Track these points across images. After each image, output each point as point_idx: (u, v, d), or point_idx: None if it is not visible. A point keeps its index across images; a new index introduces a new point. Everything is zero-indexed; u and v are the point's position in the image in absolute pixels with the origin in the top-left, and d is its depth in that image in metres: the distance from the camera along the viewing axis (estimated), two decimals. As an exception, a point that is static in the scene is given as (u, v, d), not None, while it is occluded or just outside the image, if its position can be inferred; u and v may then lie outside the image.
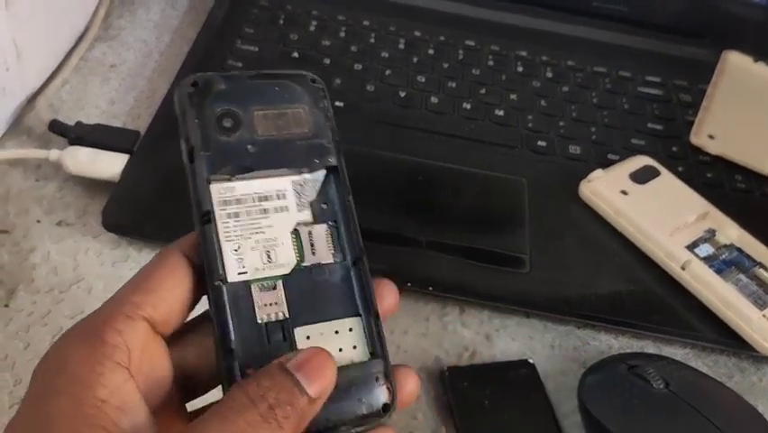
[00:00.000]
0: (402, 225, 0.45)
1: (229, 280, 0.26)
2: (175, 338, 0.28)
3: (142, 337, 0.25)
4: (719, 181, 0.52)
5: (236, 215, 0.27)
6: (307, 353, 0.25)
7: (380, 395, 0.26)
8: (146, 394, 0.25)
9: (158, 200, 0.44)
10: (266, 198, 0.28)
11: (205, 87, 0.28)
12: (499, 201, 0.48)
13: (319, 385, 0.24)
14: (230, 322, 0.26)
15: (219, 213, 0.27)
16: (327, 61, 0.56)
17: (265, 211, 0.28)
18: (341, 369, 0.26)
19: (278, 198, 0.28)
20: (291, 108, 0.29)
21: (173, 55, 0.57)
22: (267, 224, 0.28)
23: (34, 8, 0.49)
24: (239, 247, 0.27)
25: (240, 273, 0.27)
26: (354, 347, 0.27)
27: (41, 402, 0.24)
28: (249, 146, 0.28)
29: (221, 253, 0.27)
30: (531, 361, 0.41)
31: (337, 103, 0.53)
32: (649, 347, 0.44)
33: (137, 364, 0.25)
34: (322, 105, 0.29)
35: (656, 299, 0.44)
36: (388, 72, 0.56)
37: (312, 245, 0.28)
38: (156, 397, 0.26)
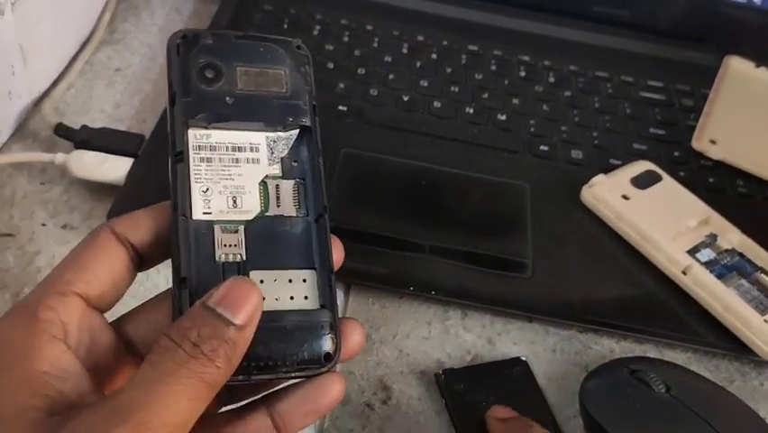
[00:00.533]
0: (404, 229, 0.45)
1: (194, 217, 0.28)
2: (127, 316, 0.30)
3: (77, 312, 0.27)
4: (721, 186, 0.53)
5: (209, 160, 0.29)
6: (226, 286, 0.25)
7: (324, 344, 0.27)
8: (89, 365, 0.26)
9: (162, 204, 0.45)
10: (239, 149, 0.30)
11: (192, 40, 0.30)
12: (502, 206, 0.49)
13: (244, 312, 0.25)
14: (187, 254, 0.27)
15: (193, 156, 0.29)
16: (331, 65, 0.56)
17: (237, 161, 0.30)
18: (289, 313, 0.27)
19: (251, 151, 0.30)
20: (273, 69, 0.31)
21: (177, 59, 0.57)
22: (237, 172, 0.29)
23: (40, 13, 0.50)
24: (207, 189, 0.29)
25: (205, 213, 0.28)
26: (306, 297, 0.28)
27: None
28: (227, 98, 0.30)
29: (189, 191, 0.28)
30: (524, 358, 0.42)
31: (340, 107, 0.53)
32: (651, 352, 0.44)
33: (76, 338, 0.26)
34: (303, 71, 0.31)
35: (658, 304, 0.45)
36: (391, 76, 0.56)
37: (278, 198, 0.30)
38: (102, 368, 0.27)
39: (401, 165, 0.49)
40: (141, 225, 0.29)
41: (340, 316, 0.29)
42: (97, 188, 0.47)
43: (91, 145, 0.47)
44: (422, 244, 0.45)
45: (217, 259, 0.28)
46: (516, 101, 0.56)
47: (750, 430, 0.38)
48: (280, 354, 0.27)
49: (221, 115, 0.29)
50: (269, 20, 0.59)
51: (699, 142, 0.54)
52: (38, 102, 0.52)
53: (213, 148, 0.29)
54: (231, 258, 0.28)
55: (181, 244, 0.27)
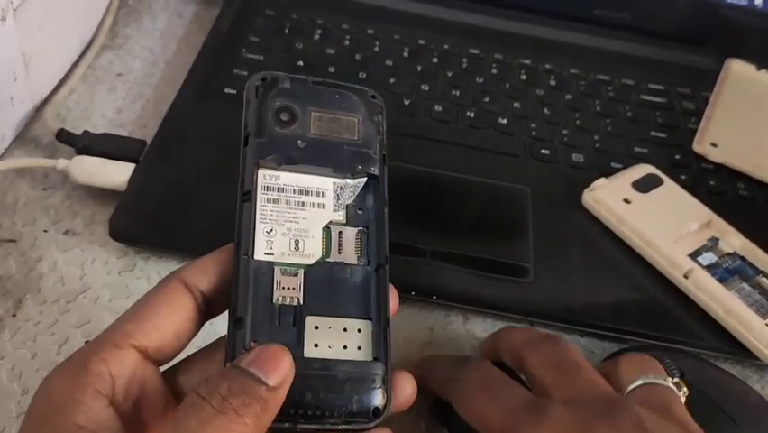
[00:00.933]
0: (405, 234, 0.45)
1: (255, 257, 0.28)
2: (182, 366, 0.29)
3: (130, 365, 0.27)
4: (722, 189, 0.52)
5: (275, 201, 0.29)
6: (257, 349, 0.25)
7: (375, 397, 0.27)
8: (135, 420, 0.26)
9: (164, 209, 0.45)
10: (306, 192, 0.30)
11: (271, 83, 0.31)
12: (503, 210, 0.49)
13: (277, 374, 0.25)
14: (245, 294, 0.27)
15: (260, 195, 0.29)
16: (332, 69, 0.56)
17: (303, 204, 0.30)
18: (341, 363, 0.27)
19: (318, 195, 0.30)
20: (346, 115, 0.31)
21: (179, 64, 0.57)
22: (302, 215, 0.30)
23: (42, 18, 0.50)
24: (271, 230, 0.29)
25: (266, 254, 0.29)
26: (359, 348, 0.28)
27: (26, 431, 0.25)
28: (300, 141, 0.30)
29: (254, 231, 0.29)
30: None
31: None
32: (652, 356, 0.44)
33: (123, 392, 0.26)
34: (376, 119, 0.32)
35: (659, 308, 0.45)
36: (392, 80, 0.56)
37: (340, 245, 0.30)
38: (149, 423, 0.27)
39: (402, 169, 0.49)
40: (208, 271, 0.29)
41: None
42: (99, 194, 0.47)
43: (93, 151, 0.47)
44: (423, 248, 0.45)
45: (274, 301, 0.28)
46: (516, 105, 0.57)
47: (759, 415, 0.38)
48: (329, 404, 0.26)
49: (291, 158, 0.30)
50: (270, 25, 0.59)
51: (701, 146, 0.54)
52: (40, 108, 0.52)
53: (281, 189, 0.30)
54: (288, 301, 0.28)
55: (240, 283, 0.28)
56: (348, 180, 0.31)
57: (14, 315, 0.41)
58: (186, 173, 0.47)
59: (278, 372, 0.25)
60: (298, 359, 0.26)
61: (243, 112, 0.31)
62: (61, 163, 0.47)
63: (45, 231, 0.45)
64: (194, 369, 0.29)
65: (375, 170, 0.31)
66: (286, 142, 0.30)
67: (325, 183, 0.30)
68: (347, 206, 0.30)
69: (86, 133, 0.49)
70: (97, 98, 0.54)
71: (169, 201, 0.45)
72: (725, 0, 0.63)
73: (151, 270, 0.44)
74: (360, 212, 0.30)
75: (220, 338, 0.30)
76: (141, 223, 0.44)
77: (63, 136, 0.49)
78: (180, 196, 0.45)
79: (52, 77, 0.54)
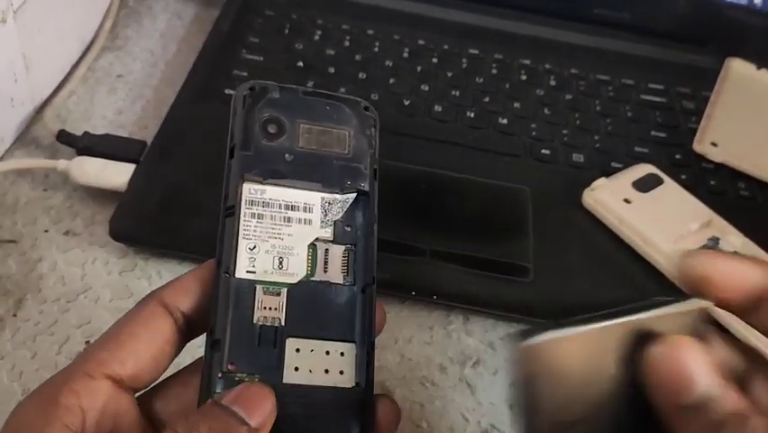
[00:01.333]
0: (406, 233, 0.45)
1: (237, 275, 0.27)
2: (159, 391, 0.28)
3: (102, 397, 0.25)
4: (723, 189, 0.52)
5: (260, 216, 0.28)
6: (241, 387, 0.24)
7: (354, 427, 0.26)
8: None
9: (164, 210, 0.45)
10: (292, 208, 0.29)
11: (260, 93, 0.30)
12: (503, 210, 0.49)
13: (259, 414, 0.24)
14: (224, 315, 0.26)
15: (244, 210, 0.28)
16: (332, 70, 0.57)
17: (288, 220, 0.29)
18: (321, 390, 0.26)
19: (305, 211, 0.29)
20: (337, 128, 0.30)
21: (179, 65, 0.57)
22: (287, 232, 0.28)
23: (42, 20, 0.50)
24: (254, 247, 0.28)
25: (248, 272, 0.27)
26: (341, 372, 0.27)
27: None
28: (287, 155, 0.29)
29: (236, 248, 0.27)
30: None
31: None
32: (653, 355, 0.44)
33: (94, 425, 0.25)
34: (368, 133, 0.30)
35: (660, 307, 0.44)
36: (392, 81, 0.57)
37: (326, 263, 0.29)
38: None
39: (402, 169, 0.49)
40: (189, 290, 0.28)
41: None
42: (99, 195, 0.47)
43: (93, 152, 0.47)
44: (423, 248, 0.45)
45: (255, 321, 0.27)
46: (516, 105, 0.57)
47: None
48: (306, 432, 0.26)
49: (278, 172, 0.29)
50: (270, 25, 0.59)
51: (701, 145, 0.54)
52: (40, 109, 0.52)
53: (266, 204, 0.29)
54: (269, 322, 0.27)
55: (219, 303, 0.26)
56: (337, 196, 0.29)
57: (15, 315, 0.41)
58: (186, 174, 0.47)
59: (261, 412, 0.24)
60: (277, 385, 0.25)
61: (230, 122, 0.29)
62: (62, 164, 0.47)
63: (46, 231, 0.45)
64: (170, 395, 0.28)
65: (365, 186, 0.29)
66: (272, 155, 0.29)
67: (313, 198, 0.29)
68: (335, 222, 0.29)
69: (86, 134, 0.49)
70: (98, 99, 0.54)
71: (169, 202, 0.45)
72: (725, -1, 0.63)
73: (151, 270, 0.44)
74: (348, 229, 0.29)
75: (198, 360, 0.29)
76: (141, 223, 0.44)
77: (64, 137, 0.49)
78: (180, 196, 0.45)
79: (53, 78, 0.54)
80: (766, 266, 0.25)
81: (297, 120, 0.30)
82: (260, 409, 0.24)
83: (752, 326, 0.26)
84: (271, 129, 0.29)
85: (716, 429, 0.21)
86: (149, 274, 0.44)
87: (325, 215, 0.29)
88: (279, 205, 0.29)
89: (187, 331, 0.28)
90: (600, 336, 0.24)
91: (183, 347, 0.28)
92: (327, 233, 0.29)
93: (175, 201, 0.45)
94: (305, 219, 0.29)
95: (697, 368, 0.23)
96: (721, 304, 0.25)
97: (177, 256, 0.44)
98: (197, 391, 0.26)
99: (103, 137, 0.49)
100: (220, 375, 0.25)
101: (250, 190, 0.28)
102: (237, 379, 0.26)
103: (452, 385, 0.41)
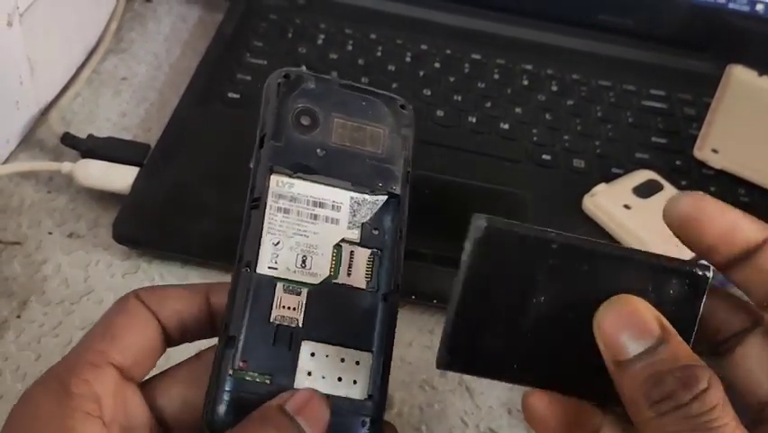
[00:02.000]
0: (407, 238, 0.45)
1: (257, 270, 0.26)
2: (158, 386, 0.28)
3: (112, 385, 0.25)
4: (723, 196, 0.52)
5: (286, 211, 0.27)
6: (305, 395, 0.24)
7: None
8: None
9: (168, 212, 0.45)
10: (320, 205, 0.28)
11: (294, 81, 0.28)
12: (504, 215, 0.48)
13: (318, 431, 0.24)
14: (241, 312, 0.25)
15: (270, 204, 0.27)
16: (335, 74, 0.57)
17: (315, 217, 0.28)
18: (332, 398, 0.25)
19: (333, 209, 0.28)
20: (372, 125, 0.29)
21: (183, 68, 0.58)
22: (313, 230, 0.27)
23: (48, 23, 0.50)
24: (278, 243, 0.27)
25: (270, 268, 0.26)
26: (354, 382, 0.26)
27: None
28: (319, 149, 0.28)
29: (259, 241, 0.26)
30: None
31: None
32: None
33: (110, 412, 0.25)
34: (404, 133, 0.29)
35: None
36: (394, 85, 0.57)
37: (350, 266, 0.27)
38: None
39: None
40: (167, 303, 0.27)
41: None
42: (103, 197, 0.47)
43: (97, 154, 0.48)
44: (424, 252, 0.45)
45: (272, 320, 0.26)
46: (518, 110, 0.57)
47: None
48: None
49: (308, 167, 0.27)
50: (273, 29, 0.59)
51: (701, 152, 0.54)
52: (45, 111, 0.52)
53: (293, 199, 0.27)
54: (286, 322, 0.26)
55: (237, 299, 0.26)
56: (366, 197, 0.28)
57: (19, 316, 0.41)
58: (189, 177, 0.47)
59: (320, 429, 0.24)
60: (287, 389, 0.25)
61: (261, 110, 0.28)
62: (66, 167, 0.47)
63: (50, 233, 0.46)
64: (174, 393, 0.27)
65: (396, 189, 0.28)
66: (304, 148, 0.27)
67: (342, 197, 0.28)
68: (362, 224, 0.28)
69: (90, 136, 0.49)
70: (102, 102, 0.55)
71: (172, 204, 0.45)
72: (726, 6, 0.63)
73: (154, 272, 0.44)
74: (375, 232, 0.28)
75: (197, 355, 0.28)
76: (144, 226, 0.45)
77: (68, 140, 0.49)
78: (184, 199, 0.46)
79: (57, 81, 0.54)
80: (758, 220, 0.25)
81: (332, 113, 0.28)
82: (321, 426, 0.24)
83: (735, 284, 0.26)
84: (304, 121, 0.28)
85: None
86: (152, 277, 0.44)
87: (353, 215, 0.28)
88: (307, 201, 0.28)
89: (165, 336, 0.27)
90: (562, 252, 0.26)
91: (166, 349, 0.28)
92: (354, 234, 0.28)
93: (178, 204, 0.45)
94: (332, 218, 0.28)
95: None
96: (706, 253, 0.25)
97: (180, 259, 0.45)
98: (199, 385, 0.26)
99: (107, 140, 0.49)
100: (231, 372, 0.25)
101: (278, 183, 0.27)
102: (248, 379, 0.25)
103: (451, 389, 0.42)
